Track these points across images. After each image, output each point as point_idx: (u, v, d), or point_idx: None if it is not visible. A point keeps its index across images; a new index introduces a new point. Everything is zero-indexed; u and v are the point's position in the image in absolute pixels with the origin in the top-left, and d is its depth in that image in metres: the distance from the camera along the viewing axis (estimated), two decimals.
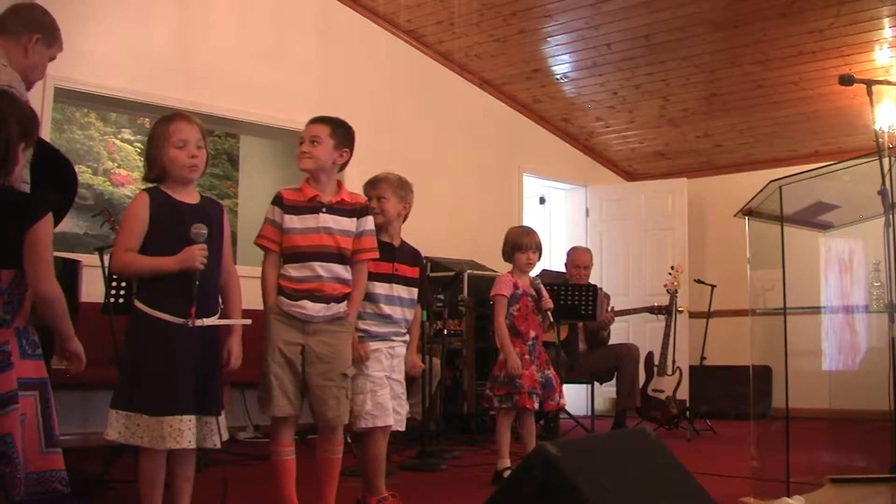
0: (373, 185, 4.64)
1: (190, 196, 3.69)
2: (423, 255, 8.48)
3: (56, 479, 2.88)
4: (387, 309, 4.46)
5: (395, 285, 4.51)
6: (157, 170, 3.61)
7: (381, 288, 4.46)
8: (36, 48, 4.18)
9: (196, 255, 3.46)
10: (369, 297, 4.42)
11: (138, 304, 3.54)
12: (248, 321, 3.74)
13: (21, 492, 2.78)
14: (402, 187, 4.63)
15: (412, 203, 4.69)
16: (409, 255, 4.67)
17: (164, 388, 3.43)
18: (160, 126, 3.64)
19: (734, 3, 8.13)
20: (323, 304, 4.09)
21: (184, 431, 3.43)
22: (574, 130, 11.34)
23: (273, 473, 4.03)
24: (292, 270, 4.06)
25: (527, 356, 5.57)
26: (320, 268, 4.07)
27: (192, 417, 3.47)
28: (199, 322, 3.49)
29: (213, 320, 3.61)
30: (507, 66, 10.05)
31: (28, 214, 3.02)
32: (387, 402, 4.37)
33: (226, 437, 3.67)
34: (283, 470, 4.02)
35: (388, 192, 4.58)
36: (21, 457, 2.78)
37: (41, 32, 4.21)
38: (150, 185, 3.65)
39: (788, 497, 4.17)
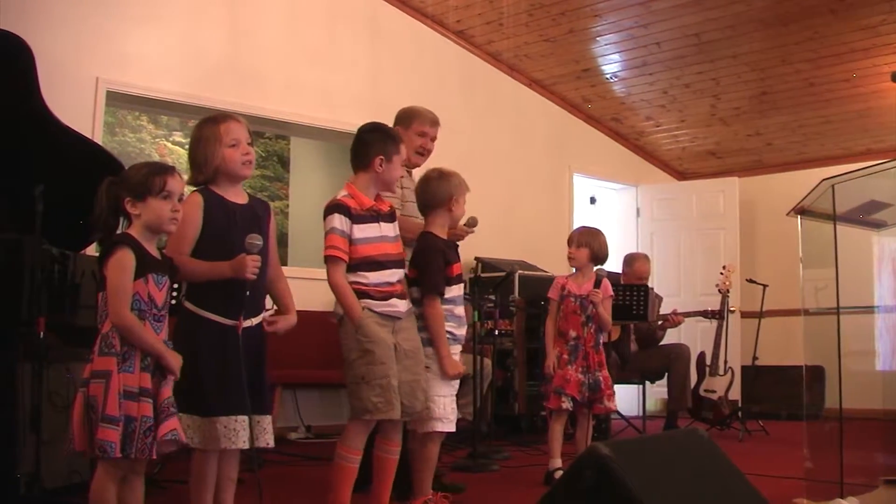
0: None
1: (239, 196, 3.71)
2: (475, 255, 8.49)
3: None
4: (463, 310, 4.46)
5: (460, 285, 4.51)
6: (207, 171, 3.60)
7: (458, 290, 4.46)
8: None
9: (248, 265, 3.45)
10: (451, 301, 4.41)
11: (189, 305, 3.57)
12: (294, 320, 3.81)
13: None
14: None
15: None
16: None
17: (218, 389, 3.46)
18: (208, 127, 3.63)
19: (784, 0, 8.07)
20: (405, 301, 4.15)
21: (239, 431, 3.46)
22: (624, 130, 11.30)
23: (337, 477, 3.98)
24: (371, 276, 4.02)
25: (565, 356, 5.53)
26: (394, 274, 4.11)
27: (246, 417, 3.49)
28: (246, 323, 3.53)
29: (261, 318, 3.65)
30: (557, 66, 10.04)
31: (103, 254, 3.21)
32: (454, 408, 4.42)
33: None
34: (349, 476, 3.98)
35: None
36: None
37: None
38: (197, 187, 3.66)
39: (842, 498, 4.15)
